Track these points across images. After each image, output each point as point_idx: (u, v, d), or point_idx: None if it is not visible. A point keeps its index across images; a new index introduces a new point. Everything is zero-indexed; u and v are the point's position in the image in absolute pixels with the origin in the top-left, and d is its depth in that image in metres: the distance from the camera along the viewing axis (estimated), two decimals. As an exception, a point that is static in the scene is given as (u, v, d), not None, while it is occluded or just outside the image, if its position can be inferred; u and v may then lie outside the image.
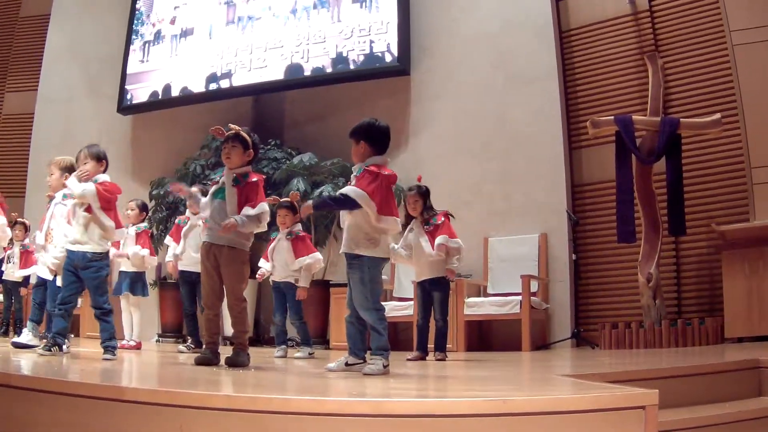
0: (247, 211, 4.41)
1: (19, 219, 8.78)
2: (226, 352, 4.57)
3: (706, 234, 7.42)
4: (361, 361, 4.17)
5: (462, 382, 3.80)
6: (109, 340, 4.87)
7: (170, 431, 2.40)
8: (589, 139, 8.00)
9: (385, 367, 3.90)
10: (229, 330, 4.70)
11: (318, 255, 6.41)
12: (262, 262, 6.60)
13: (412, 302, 7.44)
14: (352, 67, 9.34)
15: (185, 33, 10.58)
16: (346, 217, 4.20)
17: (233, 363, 4.34)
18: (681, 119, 7.16)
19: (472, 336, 7.82)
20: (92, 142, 5.31)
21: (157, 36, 10.75)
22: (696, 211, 7.44)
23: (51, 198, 5.75)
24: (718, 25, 7.50)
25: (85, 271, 4.91)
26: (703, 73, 7.73)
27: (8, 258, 8.84)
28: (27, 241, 8.34)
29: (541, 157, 8.33)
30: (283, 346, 6.49)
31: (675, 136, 7.04)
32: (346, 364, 4.19)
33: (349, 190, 4.07)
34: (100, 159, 5.12)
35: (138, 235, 7.17)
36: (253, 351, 4.69)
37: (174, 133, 10.54)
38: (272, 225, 5.63)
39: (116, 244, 7.22)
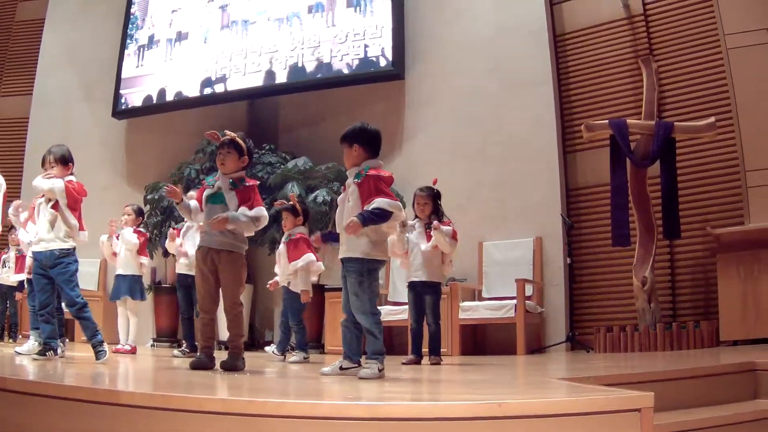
0: (244, 211, 4.41)
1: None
2: (221, 356, 4.57)
3: (700, 237, 7.43)
4: (356, 365, 4.17)
5: (457, 385, 3.80)
6: (94, 336, 4.85)
7: (165, 435, 2.40)
8: (584, 142, 8.00)
9: (380, 371, 3.91)
10: (224, 334, 4.69)
11: (310, 257, 6.36)
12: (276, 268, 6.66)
13: (406, 306, 7.44)
14: (346, 71, 9.34)
15: (180, 37, 10.57)
16: (343, 221, 4.17)
17: (228, 367, 4.34)
18: (675, 123, 7.18)
19: (467, 340, 7.82)
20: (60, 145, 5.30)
21: (152, 40, 10.74)
22: (691, 214, 7.45)
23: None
24: (712, 29, 7.52)
25: (54, 269, 4.93)
26: (698, 76, 7.74)
27: (3, 262, 8.83)
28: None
29: (536, 161, 8.33)
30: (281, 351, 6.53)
31: (669, 139, 7.07)
32: (341, 368, 4.19)
33: (385, 203, 4.03)
34: (66, 162, 5.14)
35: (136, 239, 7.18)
36: (247, 355, 4.69)
37: (169, 137, 10.53)
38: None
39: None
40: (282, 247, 6.51)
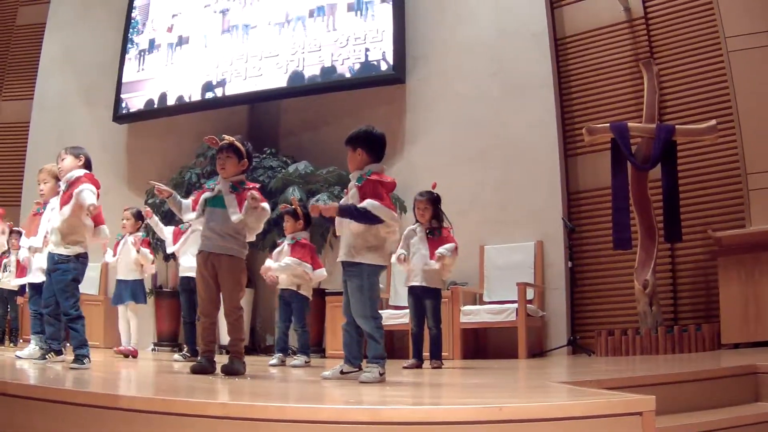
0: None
1: (15, 228, 8.75)
2: (222, 360, 4.56)
3: (702, 240, 7.42)
4: (357, 369, 4.17)
5: (458, 389, 3.80)
6: (80, 347, 4.81)
7: (166, 439, 2.40)
8: (585, 146, 8.00)
9: (381, 375, 3.90)
10: (225, 338, 4.69)
11: (308, 267, 6.42)
12: (268, 261, 6.62)
13: (407, 310, 7.43)
14: (347, 75, 9.34)
15: (181, 42, 10.59)
16: (344, 225, 4.18)
17: (229, 371, 4.33)
18: (676, 126, 7.17)
19: (468, 344, 7.80)
20: (83, 149, 5.30)
21: (153, 44, 10.75)
22: (692, 217, 7.44)
23: (43, 204, 5.78)
24: (713, 32, 7.51)
25: (53, 274, 4.92)
26: (699, 79, 7.74)
27: (4, 267, 8.83)
28: (21, 253, 8.33)
29: (537, 164, 8.33)
30: (280, 355, 6.49)
31: (670, 142, 7.06)
32: (342, 372, 4.19)
33: (374, 206, 4.02)
34: (78, 155, 5.12)
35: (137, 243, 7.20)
36: (249, 359, 4.69)
37: (169, 141, 10.54)
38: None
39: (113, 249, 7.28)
40: (286, 247, 6.53)
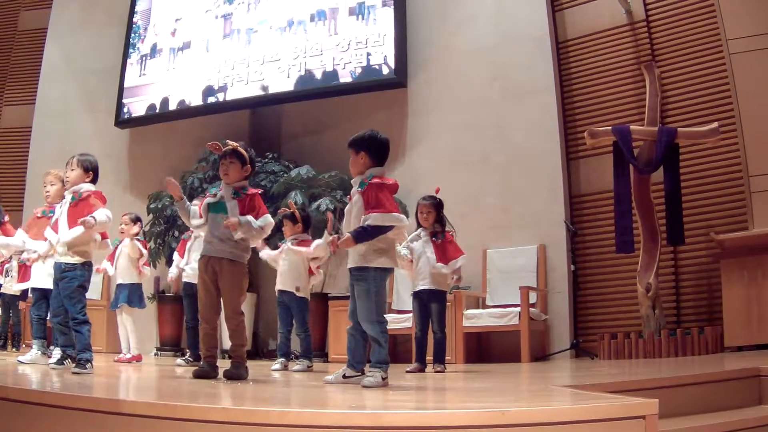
0: (250, 219, 4.42)
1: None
2: (224, 365, 4.56)
3: (704, 243, 7.41)
4: (359, 373, 4.17)
5: (461, 393, 3.79)
6: (83, 351, 4.83)
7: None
8: (587, 149, 8.00)
9: (383, 379, 3.89)
10: (227, 343, 4.68)
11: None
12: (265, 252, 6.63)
13: (411, 314, 7.43)
14: (349, 79, 9.35)
15: (182, 46, 10.60)
16: (351, 227, 4.16)
17: (231, 376, 4.33)
18: (678, 129, 7.17)
19: (470, 348, 7.80)
20: (94, 160, 5.32)
21: (154, 49, 10.76)
22: (694, 220, 7.43)
23: (49, 209, 5.79)
24: (714, 34, 7.51)
25: (60, 282, 4.96)
26: (701, 82, 7.74)
27: (6, 271, 8.82)
28: (24, 255, 8.33)
29: (539, 168, 8.33)
30: (283, 359, 6.48)
31: (673, 145, 7.05)
32: (344, 377, 4.18)
33: (379, 218, 4.02)
34: (88, 170, 5.15)
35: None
36: (251, 364, 4.68)
37: (171, 146, 10.54)
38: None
39: (110, 258, 7.26)
40: (287, 249, 6.55)
